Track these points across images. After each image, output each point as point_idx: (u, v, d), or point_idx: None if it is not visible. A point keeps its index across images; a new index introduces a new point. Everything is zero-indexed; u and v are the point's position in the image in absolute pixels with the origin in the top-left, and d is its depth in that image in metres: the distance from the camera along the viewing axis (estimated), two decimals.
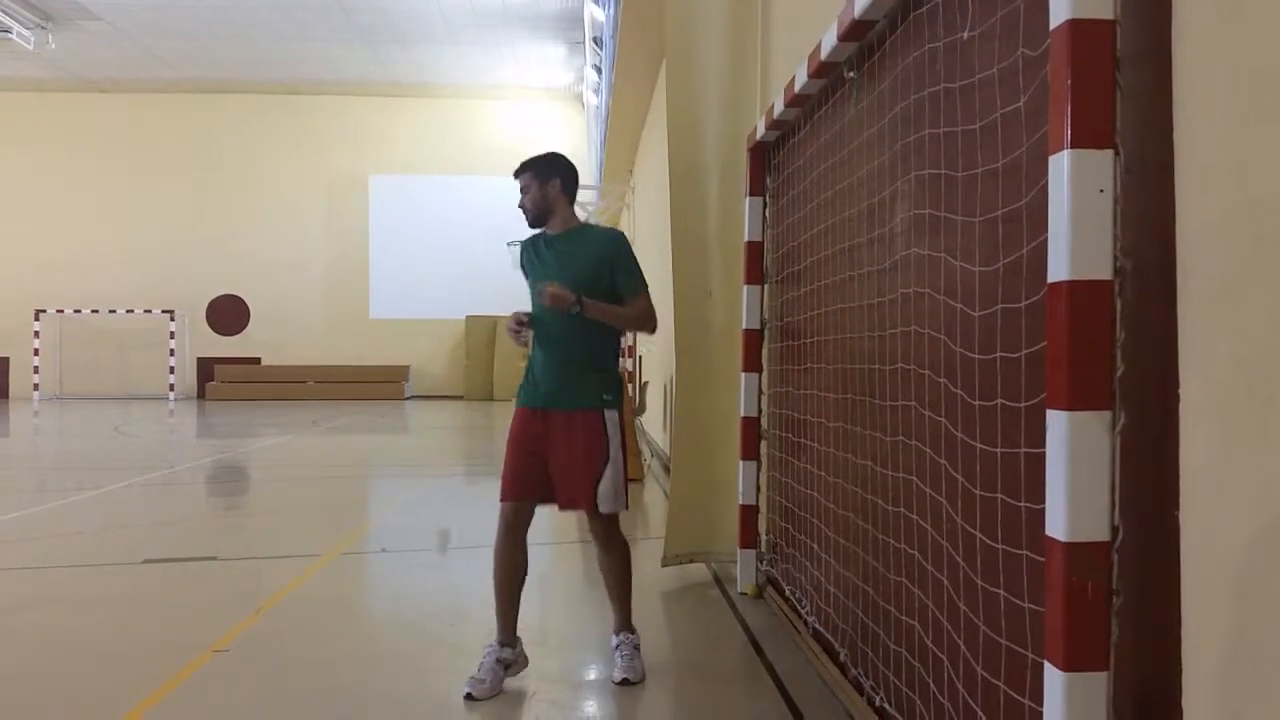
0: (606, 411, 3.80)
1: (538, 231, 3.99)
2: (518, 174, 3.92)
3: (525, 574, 3.84)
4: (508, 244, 22.91)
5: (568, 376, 3.79)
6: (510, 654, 3.78)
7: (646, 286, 3.90)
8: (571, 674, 4.01)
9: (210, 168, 26.94)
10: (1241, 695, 1.50)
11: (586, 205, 19.21)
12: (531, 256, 3.98)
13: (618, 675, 3.78)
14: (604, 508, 3.77)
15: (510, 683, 3.73)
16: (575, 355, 3.80)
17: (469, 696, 3.59)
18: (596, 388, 3.80)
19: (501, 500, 3.82)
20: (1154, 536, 1.71)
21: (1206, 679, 1.58)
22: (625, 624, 3.94)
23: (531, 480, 3.80)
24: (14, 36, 20.58)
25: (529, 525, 3.84)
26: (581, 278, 3.76)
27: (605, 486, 3.75)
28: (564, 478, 3.79)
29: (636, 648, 3.90)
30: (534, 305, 3.87)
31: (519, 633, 3.84)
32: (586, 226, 4.04)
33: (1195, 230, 1.61)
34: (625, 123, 15.25)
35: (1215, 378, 1.56)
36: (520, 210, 3.90)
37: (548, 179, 3.88)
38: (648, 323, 3.91)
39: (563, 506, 3.84)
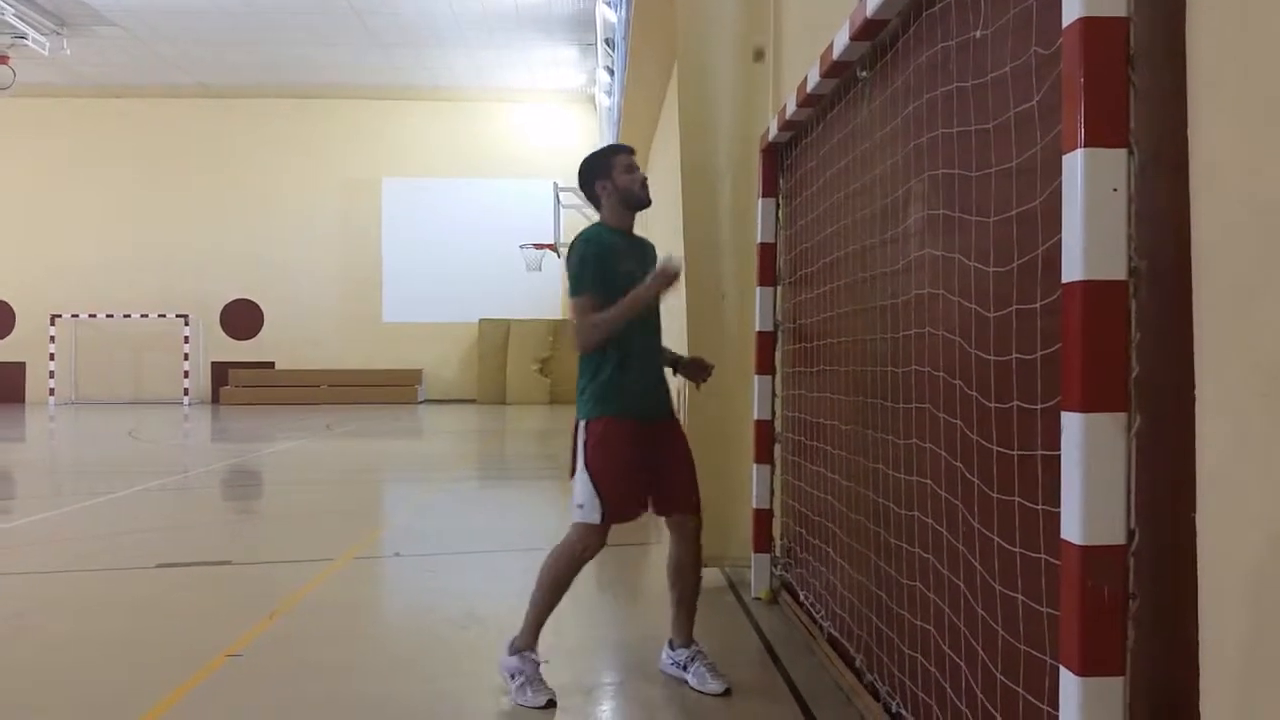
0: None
1: (595, 223, 3.85)
2: (632, 151, 3.92)
3: None
4: (520, 246, 23.16)
5: (663, 385, 3.84)
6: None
7: None
8: (584, 681, 4.00)
9: (223, 172, 27.05)
10: (1260, 700, 1.48)
11: None
12: (617, 248, 3.72)
13: (718, 687, 3.67)
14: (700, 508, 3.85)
15: None
16: (661, 364, 3.88)
17: (551, 703, 3.53)
18: (670, 392, 3.93)
19: (609, 522, 3.62)
20: (1170, 540, 1.69)
21: (1224, 684, 1.56)
22: (692, 634, 3.87)
23: (641, 501, 3.76)
24: (29, 43, 20.72)
25: None
26: None
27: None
28: (672, 485, 3.79)
29: None
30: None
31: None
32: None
33: (1211, 229, 1.59)
34: (637, 124, 15.26)
35: (1232, 379, 1.54)
36: (642, 185, 3.77)
37: None
38: None
39: (665, 512, 3.82)
